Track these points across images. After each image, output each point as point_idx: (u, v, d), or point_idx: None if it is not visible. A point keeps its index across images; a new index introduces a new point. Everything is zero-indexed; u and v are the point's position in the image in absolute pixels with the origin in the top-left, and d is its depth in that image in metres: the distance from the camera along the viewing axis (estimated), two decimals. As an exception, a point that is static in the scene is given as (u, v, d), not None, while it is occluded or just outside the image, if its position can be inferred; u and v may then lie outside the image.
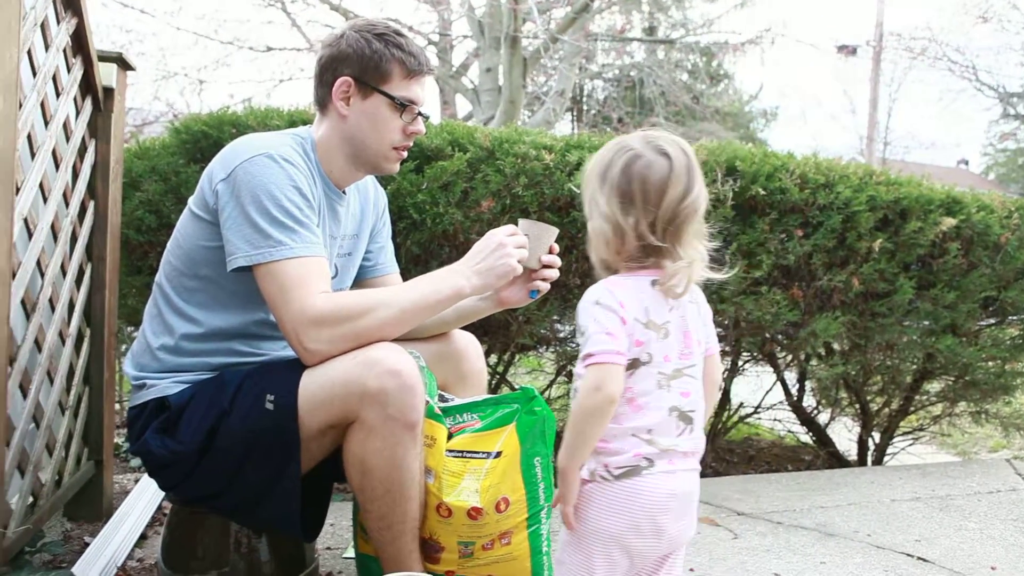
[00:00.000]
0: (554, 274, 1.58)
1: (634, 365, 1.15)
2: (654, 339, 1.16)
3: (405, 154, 1.60)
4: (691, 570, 1.92)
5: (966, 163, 28.71)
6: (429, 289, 1.45)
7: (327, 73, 1.53)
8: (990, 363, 3.14)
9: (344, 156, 1.56)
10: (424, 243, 2.43)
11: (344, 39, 1.52)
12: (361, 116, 1.52)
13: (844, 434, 3.64)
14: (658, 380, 1.16)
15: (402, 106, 1.52)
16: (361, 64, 1.50)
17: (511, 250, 1.45)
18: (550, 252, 1.56)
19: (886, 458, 3.51)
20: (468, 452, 1.47)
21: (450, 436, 1.51)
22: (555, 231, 1.55)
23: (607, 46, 13.35)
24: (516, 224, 1.55)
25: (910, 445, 3.63)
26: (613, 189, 1.17)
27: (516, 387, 3.05)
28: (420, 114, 1.56)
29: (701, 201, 1.17)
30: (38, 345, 1.74)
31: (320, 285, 1.39)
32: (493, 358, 2.96)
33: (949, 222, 2.82)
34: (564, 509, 1.17)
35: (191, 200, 1.52)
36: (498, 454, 1.46)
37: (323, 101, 1.55)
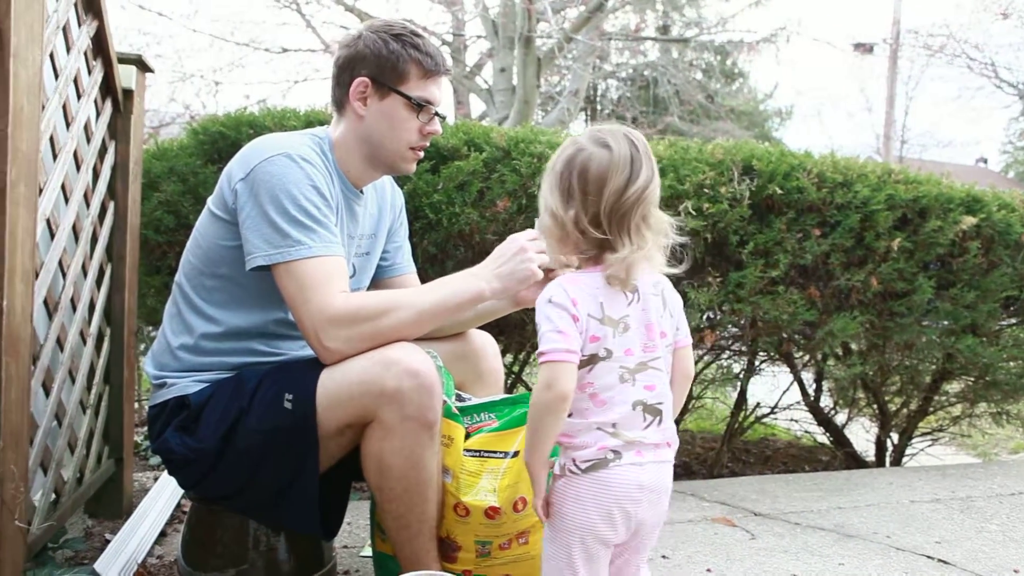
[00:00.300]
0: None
1: (592, 361, 1.16)
2: (611, 334, 1.16)
3: (422, 154, 1.60)
4: (708, 570, 1.91)
5: (985, 161, 28.37)
6: (449, 292, 1.45)
7: (344, 73, 1.54)
8: (1011, 363, 3.10)
9: (361, 156, 1.57)
10: (440, 243, 2.44)
11: (361, 40, 1.52)
12: (378, 116, 1.53)
13: (862, 435, 3.62)
14: (620, 375, 1.17)
15: (419, 106, 1.52)
16: (378, 64, 1.50)
17: (532, 255, 1.44)
18: None
19: (904, 459, 3.48)
20: (486, 451, 1.47)
21: (467, 436, 1.52)
22: None
23: (621, 45, 13.33)
24: (532, 225, 1.54)
25: (929, 446, 3.60)
26: (556, 183, 1.19)
27: (532, 386, 3.05)
28: (437, 114, 1.57)
29: (649, 191, 1.16)
30: (60, 344, 1.76)
31: (340, 284, 1.40)
32: (509, 358, 2.96)
33: (969, 221, 2.79)
34: (534, 502, 1.19)
35: (210, 200, 1.53)
36: (515, 453, 1.46)
37: (340, 101, 1.56)
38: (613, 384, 1.16)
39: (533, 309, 1.59)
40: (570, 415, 1.16)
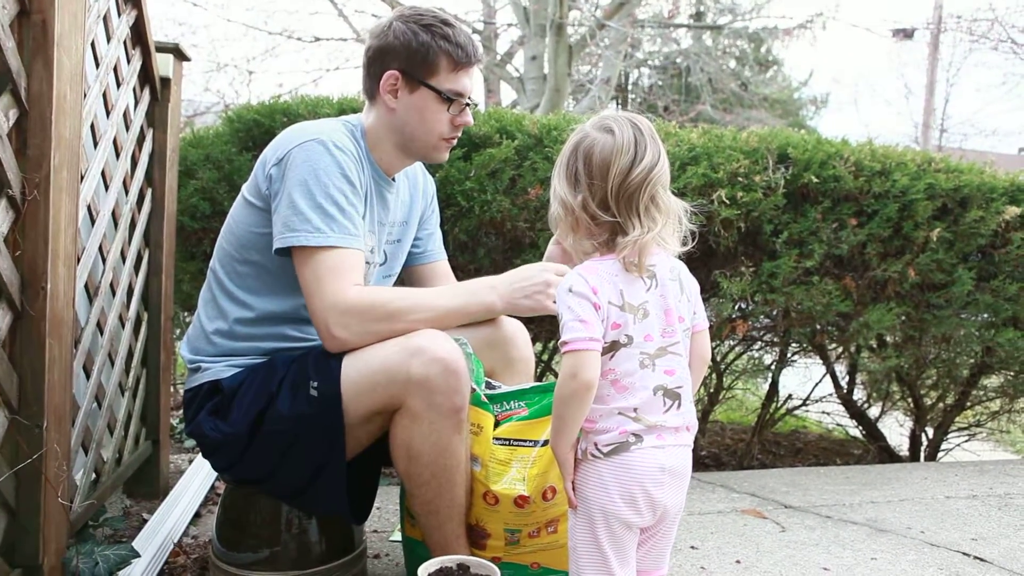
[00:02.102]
0: None
1: (613, 348, 1.17)
2: (631, 321, 1.17)
3: (454, 143, 1.60)
4: (737, 562, 1.90)
5: (1029, 150, 27.55)
6: (463, 302, 1.47)
7: (374, 65, 1.54)
8: (1054, 358, 3.02)
9: (393, 145, 1.57)
10: (471, 230, 2.44)
11: (391, 30, 1.51)
12: (409, 109, 1.52)
13: (896, 429, 3.56)
14: (641, 360, 1.17)
15: (449, 100, 1.51)
16: (408, 57, 1.50)
17: (553, 291, 1.45)
18: None
19: (940, 454, 3.42)
20: (515, 440, 1.47)
21: (497, 424, 1.52)
22: None
23: (653, 33, 13.17)
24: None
25: (965, 441, 3.53)
26: (563, 171, 1.21)
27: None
28: (468, 104, 1.56)
29: (656, 173, 1.17)
30: (100, 328, 1.80)
31: (355, 277, 1.40)
32: (539, 346, 2.97)
33: (1013, 211, 2.72)
34: (563, 486, 1.21)
35: (244, 187, 1.55)
36: (545, 442, 1.45)
37: (371, 92, 1.56)
38: (634, 370, 1.17)
39: None
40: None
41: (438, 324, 1.42)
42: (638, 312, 1.17)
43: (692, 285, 1.26)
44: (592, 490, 1.18)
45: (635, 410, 1.17)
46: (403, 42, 1.50)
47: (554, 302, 1.44)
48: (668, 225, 1.18)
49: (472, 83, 1.56)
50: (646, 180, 1.16)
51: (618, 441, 1.16)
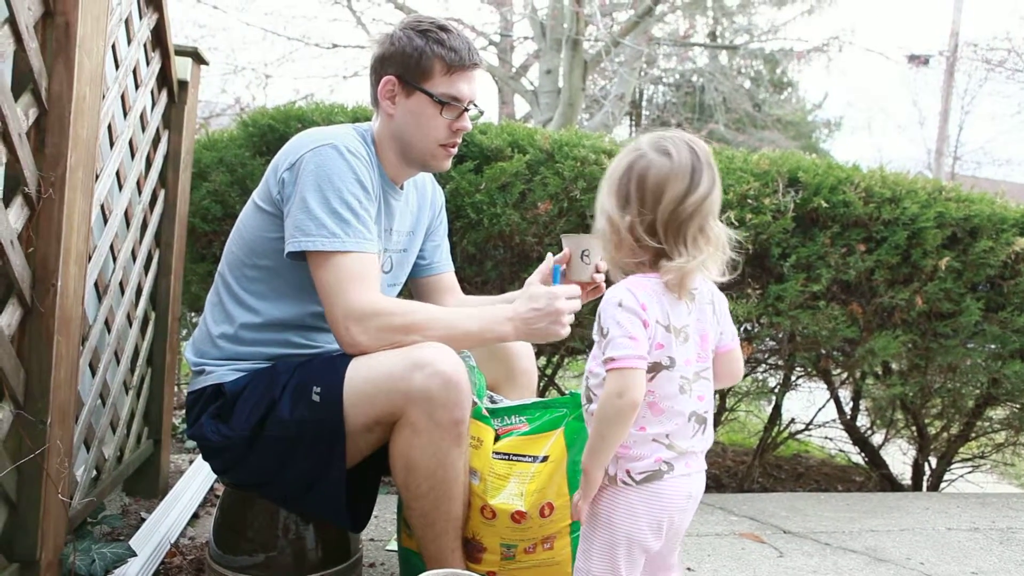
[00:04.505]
0: (601, 278, 1.57)
1: (655, 369, 1.14)
2: (674, 343, 1.15)
3: (455, 151, 1.60)
4: (734, 586, 1.89)
5: (1042, 181, 27.42)
6: (479, 327, 1.47)
7: (375, 73, 1.56)
8: (1061, 392, 3.00)
9: (395, 153, 1.58)
10: (480, 243, 2.45)
11: (391, 37, 1.54)
12: (406, 115, 1.53)
13: (899, 457, 3.53)
14: (680, 385, 1.16)
15: (444, 103, 1.52)
16: (403, 63, 1.51)
17: (565, 319, 1.45)
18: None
19: (942, 485, 3.39)
20: (515, 455, 1.48)
21: (497, 438, 1.52)
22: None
23: (669, 51, 13.21)
24: (562, 240, 1.54)
25: (969, 473, 3.50)
26: (614, 189, 1.17)
27: (564, 390, 3.05)
28: (467, 109, 1.55)
29: (710, 202, 1.14)
30: (107, 326, 1.82)
31: (373, 282, 1.42)
32: (542, 360, 2.97)
33: (1023, 243, 2.71)
34: (580, 503, 1.18)
35: (255, 192, 1.56)
36: (544, 458, 1.46)
37: (375, 100, 1.58)
38: (673, 394, 1.15)
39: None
40: None
41: (452, 344, 1.42)
42: (680, 335, 1.16)
43: (722, 304, 1.25)
44: (620, 517, 1.16)
45: (668, 436, 1.16)
46: (399, 48, 1.51)
47: (565, 329, 1.45)
48: (714, 254, 1.15)
49: (471, 89, 1.55)
50: (698, 210, 1.12)
51: (652, 469, 1.15)
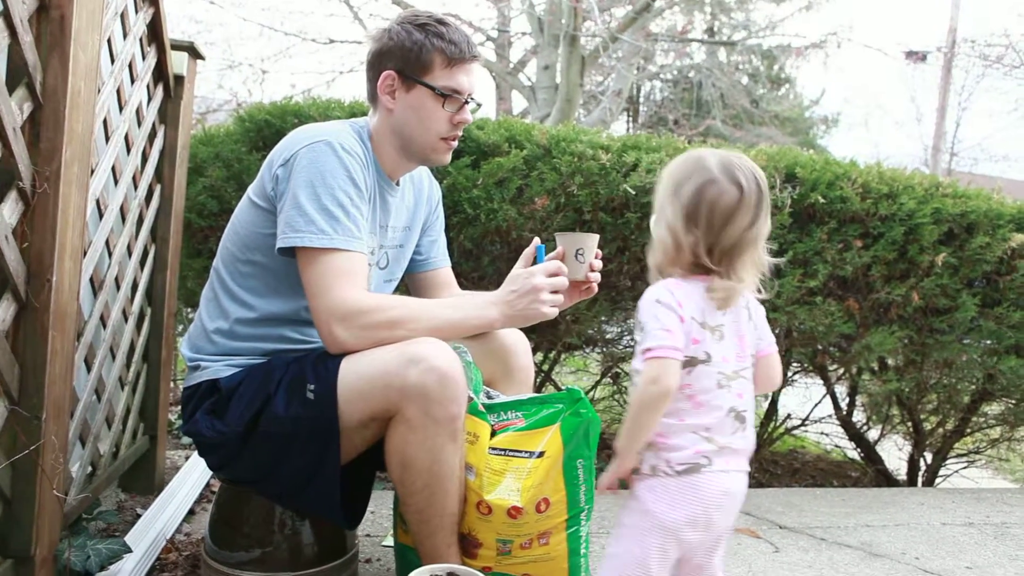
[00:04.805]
0: (596, 276, 1.57)
1: (692, 363, 1.19)
2: (710, 339, 1.20)
3: (455, 144, 1.59)
4: (730, 581, 1.90)
5: (1039, 178, 27.44)
6: (463, 316, 1.47)
7: (373, 68, 1.55)
8: (1055, 388, 3.01)
9: (394, 148, 1.58)
10: (477, 238, 2.45)
11: (388, 32, 1.53)
12: (406, 109, 1.53)
13: (894, 452, 3.54)
14: (718, 380, 1.21)
15: (445, 96, 1.51)
16: (403, 56, 1.51)
17: (545, 296, 1.44)
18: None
19: (938, 480, 3.40)
20: (511, 450, 1.47)
21: (493, 433, 1.52)
22: (596, 237, 1.54)
23: (667, 47, 13.19)
24: (567, 230, 1.54)
25: (964, 468, 3.51)
26: (682, 206, 1.21)
27: (561, 386, 3.05)
28: (467, 102, 1.55)
29: (764, 232, 1.22)
30: (103, 321, 1.81)
31: (360, 281, 1.41)
32: (539, 356, 2.97)
33: (1019, 238, 2.72)
34: (607, 479, 1.22)
35: (250, 188, 1.56)
36: (541, 454, 1.45)
37: (372, 95, 1.58)
38: (711, 388, 1.20)
39: (565, 308, 1.59)
40: (665, 415, 1.19)
41: (438, 335, 1.42)
42: (716, 332, 1.21)
43: (759, 311, 1.30)
44: (658, 505, 1.19)
45: (708, 429, 1.20)
46: (397, 42, 1.51)
47: (549, 307, 1.45)
48: (753, 277, 1.23)
49: (471, 81, 1.56)
50: (755, 240, 1.20)
51: (692, 462, 1.19)
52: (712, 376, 1.20)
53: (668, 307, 1.18)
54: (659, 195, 1.26)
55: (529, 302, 1.45)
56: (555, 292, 1.47)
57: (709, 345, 1.20)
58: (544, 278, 1.45)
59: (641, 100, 17.04)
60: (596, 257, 1.55)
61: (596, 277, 1.57)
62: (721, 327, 1.22)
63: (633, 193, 2.41)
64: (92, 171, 1.58)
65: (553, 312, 1.46)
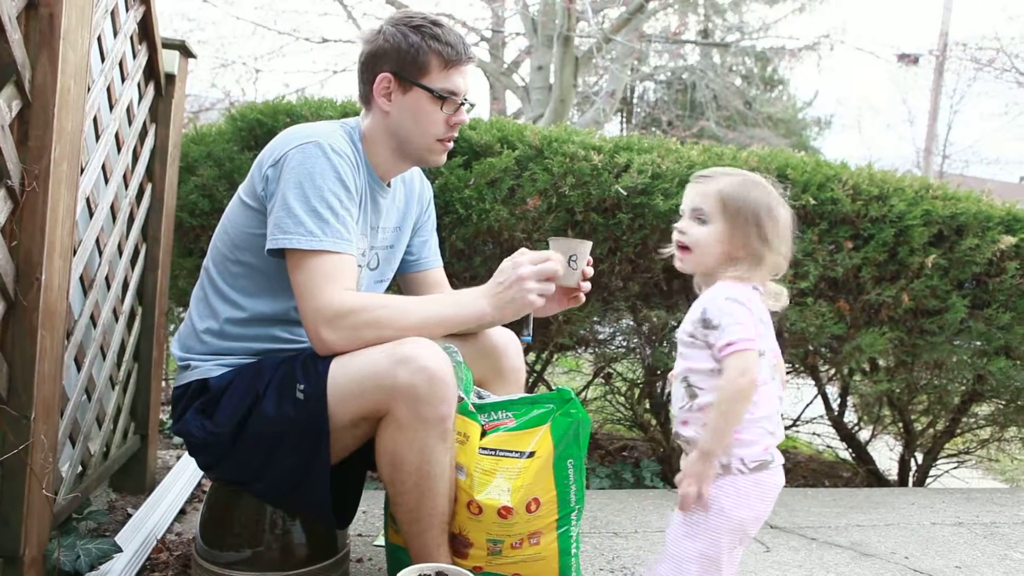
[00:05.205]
0: (586, 286, 1.57)
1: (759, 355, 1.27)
2: (765, 335, 1.29)
3: (451, 145, 1.59)
4: (720, 581, 1.90)
5: (1030, 180, 27.63)
6: (453, 311, 1.47)
7: (367, 70, 1.54)
8: (1044, 388, 3.03)
9: (389, 149, 1.57)
10: (469, 238, 2.45)
11: (382, 34, 1.53)
12: (403, 111, 1.53)
13: (885, 453, 3.56)
14: (771, 372, 1.30)
15: (442, 98, 1.51)
16: (399, 59, 1.50)
17: (531, 284, 1.43)
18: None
19: (928, 480, 3.42)
20: (501, 451, 1.47)
21: (484, 434, 1.52)
22: (589, 244, 1.53)
23: (660, 48, 13.23)
24: (549, 243, 1.53)
25: (955, 468, 3.53)
26: (765, 222, 1.31)
27: (553, 386, 3.05)
28: (463, 103, 1.55)
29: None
30: (93, 321, 1.81)
31: (346, 282, 1.40)
32: (531, 356, 2.97)
33: (1008, 240, 2.73)
34: (693, 490, 1.23)
35: (240, 188, 1.56)
36: (531, 454, 1.46)
37: (366, 97, 1.57)
38: (767, 380, 1.28)
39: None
40: None
41: (426, 333, 1.41)
42: (767, 328, 1.31)
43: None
44: (733, 504, 1.24)
45: (769, 419, 1.27)
46: (393, 45, 1.50)
47: (536, 296, 1.45)
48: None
49: (466, 82, 1.56)
50: (788, 253, 1.35)
51: (761, 459, 1.26)
52: (766, 368, 1.27)
53: (739, 303, 1.24)
54: (738, 214, 1.30)
55: (516, 291, 1.44)
56: (545, 281, 1.45)
57: (764, 340, 1.28)
58: (530, 267, 1.44)
59: (635, 101, 17.07)
60: (588, 264, 1.55)
61: (586, 287, 1.56)
62: (768, 323, 1.31)
63: (625, 194, 2.42)
64: (82, 169, 1.58)
65: (540, 301, 1.45)
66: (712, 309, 1.26)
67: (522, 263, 1.45)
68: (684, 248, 1.33)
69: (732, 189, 1.32)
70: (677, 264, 1.35)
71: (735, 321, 1.23)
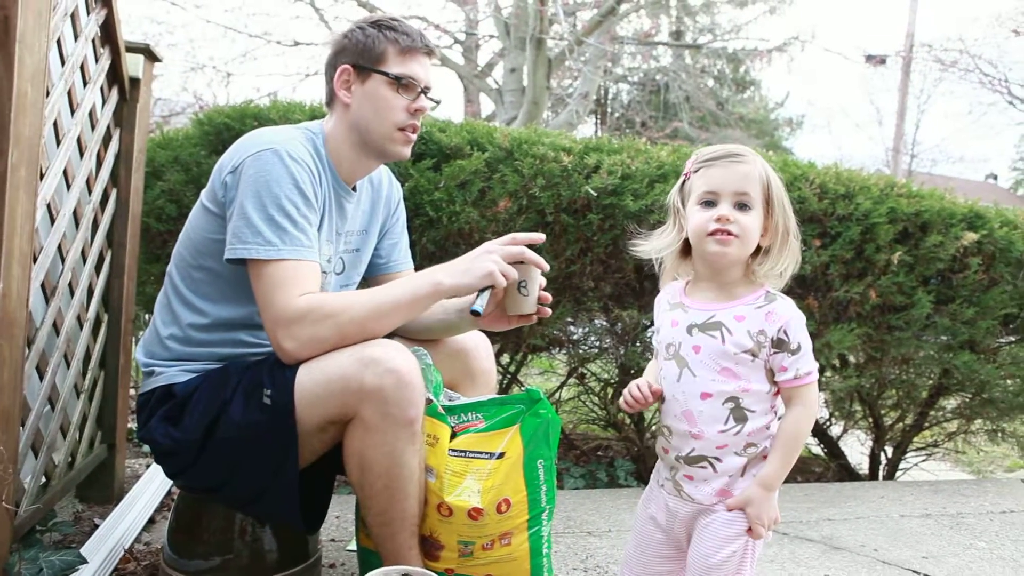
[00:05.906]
0: (546, 312, 1.55)
1: None
2: None
3: (414, 136, 1.59)
4: (693, 578, 1.91)
5: (995, 178, 28.23)
6: (408, 287, 1.45)
7: (330, 67, 1.58)
8: (1008, 381, 3.10)
9: (351, 145, 1.57)
10: (440, 241, 2.44)
11: (344, 35, 1.58)
12: (363, 100, 1.54)
13: (856, 447, 3.61)
14: None
15: (398, 80, 1.52)
16: (357, 51, 1.54)
17: (496, 256, 1.43)
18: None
19: (898, 473, 3.47)
20: (471, 452, 1.47)
21: (453, 435, 1.52)
22: (539, 271, 1.49)
23: (633, 50, 13.32)
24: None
25: (923, 461, 3.59)
26: (789, 207, 1.26)
27: (525, 387, 3.05)
28: (423, 91, 1.56)
29: None
30: (56, 328, 1.77)
31: (304, 287, 1.39)
32: (505, 358, 2.97)
33: (971, 237, 2.79)
34: (766, 526, 1.26)
35: (203, 192, 1.54)
36: (501, 455, 1.46)
37: (330, 95, 1.59)
38: None
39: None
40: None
41: (382, 316, 1.40)
42: None
43: None
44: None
45: None
46: (352, 39, 1.55)
47: (496, 267, 1.42)
48: None
49: (426, 74, 1.57)
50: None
51: None
52: None
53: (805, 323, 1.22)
54: (775, 199, 1.23)
55: (476, 258, 1.44)
56: (512, 264, 1.44)
57: None
58: (497, 245, 1.46)
59: (608, 103, 17.16)
60: (541, 288, 1.53)
61: (547, 312, 1.55)
62: None
63: (595, 195, 2.43)
64: (42, 175, 1.55)
65: (500, 280, 1.42)
66: (794, 328, 1.19)
67: (492, 242, 1.48)
68: (728, 234, 1.20)
69: (769, 172, 1.24)
70: (715, 250, 1.21)
71: (810, 348, 1.19)
